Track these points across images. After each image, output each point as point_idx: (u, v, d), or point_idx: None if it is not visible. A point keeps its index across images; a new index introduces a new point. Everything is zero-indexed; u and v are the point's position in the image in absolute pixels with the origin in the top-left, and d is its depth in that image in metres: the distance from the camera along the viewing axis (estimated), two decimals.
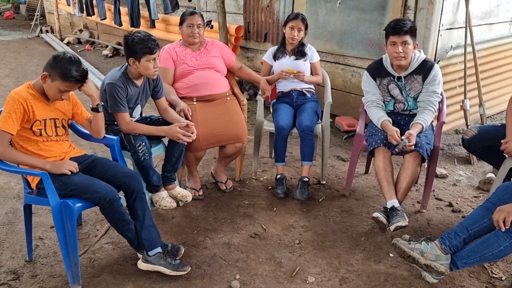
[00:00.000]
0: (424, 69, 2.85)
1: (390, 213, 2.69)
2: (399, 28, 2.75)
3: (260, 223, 2.89)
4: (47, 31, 10.42)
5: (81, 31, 9.32)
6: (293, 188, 3.29)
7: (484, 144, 2.77)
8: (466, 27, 3.89)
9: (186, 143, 2.79)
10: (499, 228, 2.05)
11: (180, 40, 3.29)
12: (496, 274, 2.40)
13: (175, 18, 6.15)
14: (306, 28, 3.41)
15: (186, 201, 2.88)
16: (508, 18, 4.72)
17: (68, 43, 9.11)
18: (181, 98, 3.10)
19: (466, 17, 3.87)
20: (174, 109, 2.97)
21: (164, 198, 2.76)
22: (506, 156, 2.73)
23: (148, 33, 2.58)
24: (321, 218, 2.95)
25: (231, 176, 3.45)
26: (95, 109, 2.37)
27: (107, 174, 2.33)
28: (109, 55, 7.82)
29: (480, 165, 3.82)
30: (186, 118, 2.93)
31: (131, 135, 2.60)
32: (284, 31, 3.45)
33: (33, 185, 2.28)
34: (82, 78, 2.20)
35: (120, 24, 7.01)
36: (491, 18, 4.43)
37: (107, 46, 8.32)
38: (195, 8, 6.21)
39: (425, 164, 3.00)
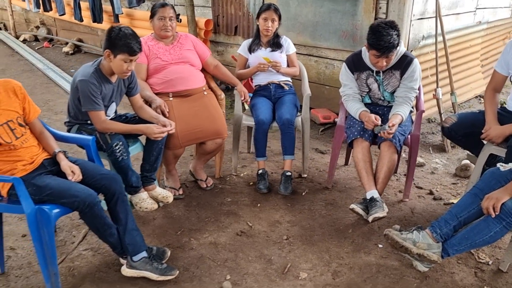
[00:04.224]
0: (403, 64, 2.80)
1: (369, 204, 2.69)
2: (385, 49, 2.62)
3: (245, 220, 2.81)
4: (0, 29, 9.86)
5: (37, 27, 8.87)
6: (275, 183, 3.23)
7: (464, 131, 2.80)
8: (436, 17, 3.94)
9: (164, 141, 2.67)
10: (489, 214, 2.07)
11: (151, 33, 3.15)
12: (482, 259, 2.43)
13: (140, 12, 5.94)
14: (279, 18, 3.34)
15: (167, 202, 2.76)
16: (473, 8, 4.84)
17: (24, 41, 8.65)
18: (156, 94, 2.97)
19: (436, 7, 3.92)
20: (150, 105, 2.83)
21: (144, 200, 2.63)
22: (485, 142, 2.78)
23: (136, 34, 2.43)
24: (307, 212, 2.91)
25: (210, 173, 3.35)
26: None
27: (86, 176, 2.18)
28: (70, 52, 7.48)
29: (454, 152, 3.89)
30: (163, 114, 2.80)
31: (107, 134, 2.45)
32: (257, 23, 3.37)
33: (3, 192, 2.11)
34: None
35: (81, 20, 6.70)
36: (458, 8, 4.52)
37: (67, 43, 7.96)
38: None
39: (404, 154, 3.02)
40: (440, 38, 3.99)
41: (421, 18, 4.00)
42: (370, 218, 2.59)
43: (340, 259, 2.44)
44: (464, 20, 4.72)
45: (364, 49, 2.91)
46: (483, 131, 2.66)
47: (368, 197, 2.70)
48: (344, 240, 2.61)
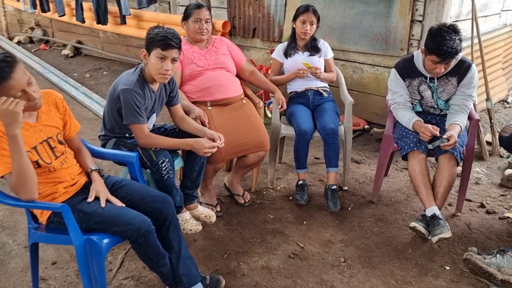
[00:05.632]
0: (460, 70, 2.60)
1: (430, 222, 2.47)
2: (447, 55, 2.43)
3: (294, 240, 2.58)
4: None
5: (32, 29, 8.48)
6: (314, 195, 3.02)
7: None
8: (472, 19, 3.77)
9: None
10: None
11: (184, 37, 2.90)
12: None
13: (149, 13, 5.66)
14: (318, 20, 3.14)
15: (211, 221, 2.53)
16: (498, 10, 4.70)
17: (18, 42, 8.26)
18: (192, 103, 2.73)
19: (472, 9, 3.76)
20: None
21: (187, 221, 2.40)
22: None
23: (175, 31, 2.18)
24: (358, 230, 2.69)
25: (244, 186, 3.10)
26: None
27: (134, 199, 1.94)
28: (70, 54, 7.14)
29: (492, 160, 3.73)
30: (203, 125, 2.57)
31: (151, 150, 2.21)
32: (294, 25, 3.16)
33: (42, 219, 1.85)
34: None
35: (83, 21, 6.39)
36: (486, 10, 4.37)
37: (64, 45, 7.62)
38: (169, 3, 5.77)
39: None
40: (475, 41, 3.82)
41: (456, 21, 3.83)
42: (435, 239, 2.37)
43: (407, 284, 2.23)
44: (492, 23, 4.58)
45: (416, 54, 2.71)
46: None
47: (429, 214, 2.49)
48: (406, 261, 2.41)
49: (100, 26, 6.15)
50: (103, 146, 2.37)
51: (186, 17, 2.83)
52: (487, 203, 3.02)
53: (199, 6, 2.80)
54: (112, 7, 5.86)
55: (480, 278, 2.10)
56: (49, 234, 1.84)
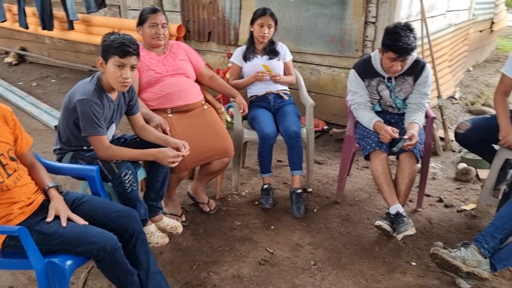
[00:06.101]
0: (416, 69, 2.69)
1: (394, 219, 2.53)
2: (403, 51, 2.49)
3: (263, 246, 2.56)
4: None
5: None
6: (279, 199, 3.02)
7: (478, 137, 2.75)
8: (421, 19, 3.92)
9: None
10: None
11: (140, 42, 2.80)
12: None
13: (98, 18, 5.45)
14: (276, 23, 3.13)
15: (177, 232, 2.45)
16: (444, 11, 4.91)
17: None
18: (152, 111, 2.64)
19: (421, 10, 3.90)
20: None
21: (153, 233, 2.31)
22: (497, 147, 2.74)
23: (132, 37, 2.09)
24: (325, 231, 2.71)
25: (208, 194, 3.05)
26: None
27: (97, 216, 1.84)
28: (14, 62, 6.74)
29: (446, 155, 3.88)
30: (164, 133, 2.49)
31: (112, 162, 2.10)
32: (251, 29, 3.14)
33: None
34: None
35: (26, 27, 6.05)
36: (433, 11, 4.55)
37: (7, 53, 7.20)
38: (119, 7, 5.58)
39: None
40: (425, 40, 3.97)
41: (407, 21, 3.94)
42: (400, 236, 2.42)
43: (377, 282, 2.27)
44: (438, 23, 4.78)
45: (373, 55, 2.77)
46: (500, 137, 2.61)
47: (393, 212, 2.55)
48: (374, 260, 2.45)
49: (46, 32, 5.85)
50: (59, 160, 2.23)
51: (141, 22, 2.73)
52: (445, 197, 3.14)
53: (154, 11, 2.72)
54: (58, 12, 5.60)
55: (446, 272, 2.16)
56: (5, 259, 1.70)
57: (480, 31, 7.39)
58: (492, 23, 8.06)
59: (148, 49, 2.77)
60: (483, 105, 5.27)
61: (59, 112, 4.54)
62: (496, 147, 2.76)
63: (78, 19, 5.36)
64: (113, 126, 2.27)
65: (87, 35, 5.54)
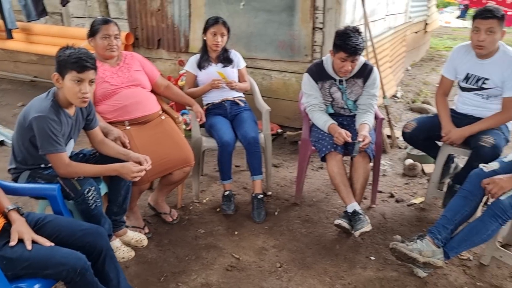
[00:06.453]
0: (365, 72, 2.86)
1: (352, 217, 2.67)
2: (353, 50, 2.64)
3: (229, 252, 2.60)
4: None
5: None
6: (240, 204, 3.08)
7: (424, 135, 2.95)
8: (365, 24, 4.12)
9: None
10: (485, 206, 2.17)
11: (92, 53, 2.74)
12: (464, 256, 2.56)
13: (39, 26, 5.23)
14: (228, 32, 3.18)
15: (142, 245, 2.44)
16: (383, 15, 5.19)
17: None
18: (109, 123, 2.60)
19: (364, 15, 4.11)
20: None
21: (119, 248, 2.29)
22: (440, 144, 2.96)
23: (87, 50, 2.06)
24: (287, 233, 2.80)
25: (169, 204, 3.03)
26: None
27: (62, 236, 1.80)
28: None
29: (394, 152, 4.11)
30: (124, 146, 2.46)
31: (74, 180, 2.06)
32: (204, 37, 3.17)
33: None
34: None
35: None
36: (374, 15, 4.80)
37: None
38: (61, 15, 5.39)
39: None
40: (369, 43, 4.18)
41: None
42: (357, 233, 2.56)
43: (341, 279, 2.38)
44: (379, 27, 5.04)
45: (325, 59, 2.90)
46: (442, 134, 2.82)
47: (350, 210, 2.68)
48: (336, 257, 2.56)
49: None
50: (15, 180, 2.15)
51: (93, 33, 2.68)
52: (396, 193, 3.33)
53: (106, 22, 2.68)
54: None
55: (405, 263, 2.31)
56: None
57: (416, 32, 7.86)
58: (426, 24, 8.59)
59: (102, 61, 2.71)
60: (423, 102, 5.62)
61: (1, 126, 4.34)
62: (440, 143, 2.98)
63: (17, 28, 5.11)
64: (72, 142, 2.21)
65: (28, 44, 5.31)
